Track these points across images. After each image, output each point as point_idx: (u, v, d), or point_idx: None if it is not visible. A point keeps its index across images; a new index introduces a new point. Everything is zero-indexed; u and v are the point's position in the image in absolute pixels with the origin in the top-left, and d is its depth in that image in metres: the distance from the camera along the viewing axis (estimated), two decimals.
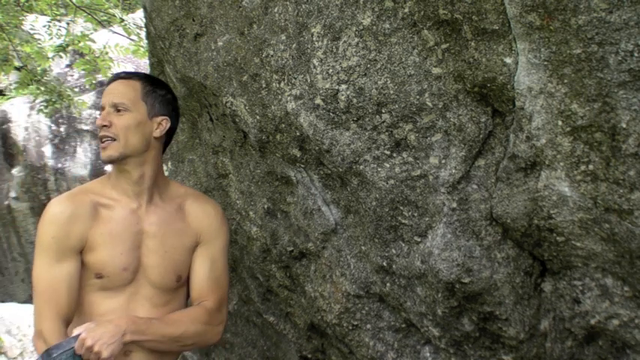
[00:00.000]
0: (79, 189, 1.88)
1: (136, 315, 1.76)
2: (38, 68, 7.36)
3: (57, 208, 1.77)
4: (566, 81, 1.32)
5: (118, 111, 1.80)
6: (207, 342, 1.95)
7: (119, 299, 1.79)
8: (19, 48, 7.35)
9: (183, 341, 1.81)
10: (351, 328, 1.98)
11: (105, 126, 1.78)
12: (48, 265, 1.73)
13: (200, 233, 1.90)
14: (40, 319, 1.72)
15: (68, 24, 7.61)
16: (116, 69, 7.37)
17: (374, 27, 1.60)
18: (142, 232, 1.82)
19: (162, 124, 1.86)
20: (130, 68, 8.39)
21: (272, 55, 1.80)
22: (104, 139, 1.79)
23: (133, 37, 7.34)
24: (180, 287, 1.90)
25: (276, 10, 1.77)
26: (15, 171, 8.71)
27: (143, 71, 1.93)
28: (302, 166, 1.90)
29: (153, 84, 1.90)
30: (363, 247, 1.87)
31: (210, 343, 1.98)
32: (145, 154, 1.82)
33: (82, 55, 7.34)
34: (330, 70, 1.67)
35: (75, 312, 1.78)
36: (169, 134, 1.92)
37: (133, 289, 1.81)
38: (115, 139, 1.78)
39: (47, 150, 8.73)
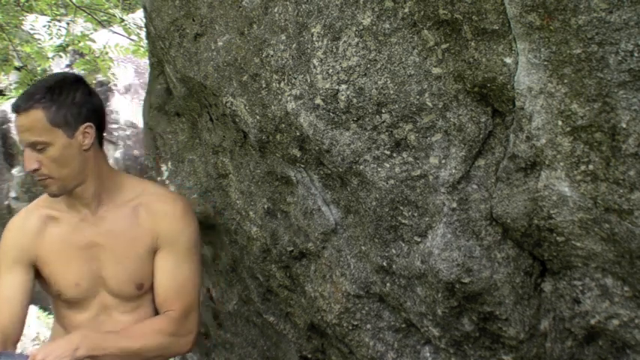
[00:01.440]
0: (36, 201, 1.82)
1: (98, 328, 1.72)
2: (38, 68, 7.36)
3: (11, 222, 1.75)
4: (566, 81, 1.32)
5: (39, 150, 1.66)
6: (175, 353, 1.84)
7: (87, 312, 1.75)
8: (19, 48, 7.35)
9: (145, 354, 1.71)
10: (351, 328, 1.98)
11: (35, 169, 1.67)
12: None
13: (157, 237, 1.77)
14: None
15: (68, 24, 7.61)
16: (116, 69, 7.38)
17: (374, 27, 1.60)
18: (92, 243, 1.75)
19: (87, 131, 1.72)
20: (130, 68, 8.40)
21: (272, 55, 1.80)
22: (39, 179, 1.69)
23: (133, 37, 7.34)
24: (145, 294, 1.82)
25: (276, 10, 1.77)
26: (15, 171, 8.71)
27: (52, 81, 1.74)
28: (302, 166, 1.90)
29: (54, 99, 1.68)
30: (363, 247, 1.87)
31: (180, 354, 1.88)
32: (83, 170, 1.72)
33: (82, 55, 7.34)
34: (330, 70, 1.67)
35: (19, 331, 1.72)
36: (100, 125, 1.78)
37: (98, 300, 1.76)
38: (50, 177, 1.68)
39: None
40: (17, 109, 1.66)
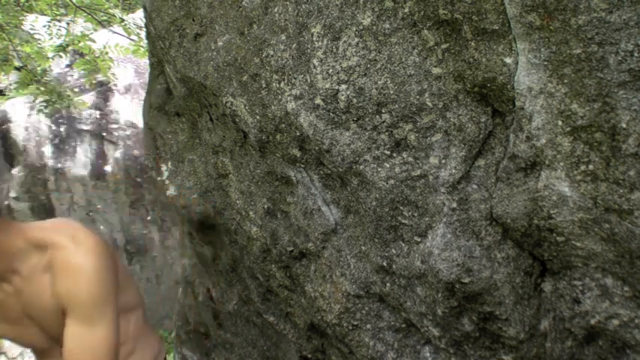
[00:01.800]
0: None
1: None
2: (38, 68, 7.36)
3: None
4: (566, 81, 1.32)
5: None
6: None
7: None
8: (19, 48, 7.35)
9: None
10: (351, 328, 1.98)
11: None
12: None
13: (62, 298, 1.59)
14: None
15: (68, 24, 7.62)
16: (116, 69, 7.38)
17: (374, 27, 1.60)
18: (20, 314, 1.69)
19: None
20: (130, 68, 8.40)
21: (272, 55, 1.80)
22: None
23: (133, 37, 7.35)
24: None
25: (276, 10, 1.77)
26: (15, 171, 8.71)
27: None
28: (302, 166, 1.90)
29: None
30: (363, 247, 1.87)
31: None
32: None
33: (82, 55, 7.35)
34: (330, 70, 1.67)
35: None
36: None
37: (53, 351, 1.77)
38: None
39: (47, 150, 8.73)
40: None
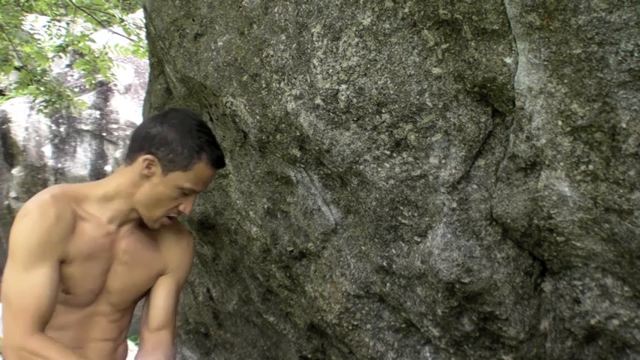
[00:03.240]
0: (61, 192, 1.70)
1: (84, 332, 1.73)
2: (38, 68, 7.36)
3: (42, 210, 1.60)
4: (566, 81, 1.32)
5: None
6: None
7: (77, 315, 1.73)
8: (19, 48, 7.35)
9: None
10: (351, 328, 1.98)
11: None
12: (28, 272, 1.57)
13: (169, 263, 1.83)
14: (21, 332, 1.53)
15: (68, 24, 7.62)
16: (116, 69, 7.38)
17: (374, 27, 1.60)
18: (113, 256, 1.73)
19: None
20: (130, 68, 8.40)
21: (272, 55, 1.80)
22: (174, 216, 1.77)
23: (133, 37, 7.35)
24: (132, 305, 1.86)
25: (276, 10, 1.77)
26: (15, 171, 8.71)
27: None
28: (302, 166, 1.90)
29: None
30: (363, 247, 1.87)
31: None
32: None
33: (81, 55, 7.34)
34: (330, 70, 1.67)
35: None
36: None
37: (93, 307, 1.75)
38: None
39: (47, 150, 8.73)
40: (222, 164, 1.75)
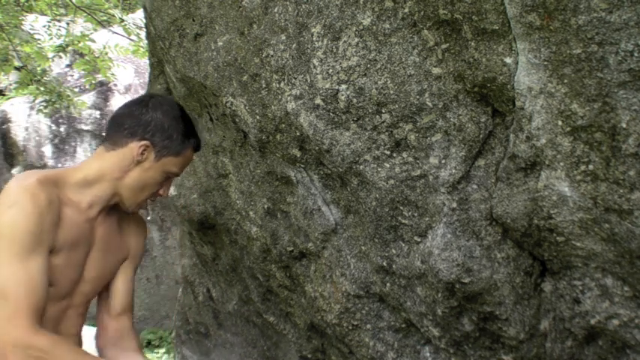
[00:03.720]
0: (44, 176, 1.59)
1: (57, 328, 1.64)
2: (38, 68, 7.36)
3: (32, 197, 1.50)
4: (566, 81, 1.32)
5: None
6: None
7: (54, 309, 1.61)
8: (19, 48, 7.35)
9: None
10: (351, 328, 1.98)
11: None
12: (23, 263, 1.47)
13: (130, 249, 1.83)
14: (24, 329, 1.43)
15: (68, 24, 7.61)
16: (116, 69, 7.37)
17: (374, 27, 1.60)
18: (91, 243, 1.68)
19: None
20: (130, 68, 8.40)
21: (272, 55, 1.80)
22: (155, 200, 1.78)
23: (133, 37, 7.34)
24: (97, 295, 1.82)
25: (276, 10, 1.77)
26: (15, 171, 8.70)
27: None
28: (302, 166, 1.90)
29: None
30: (363, 247, 1.87)
31: None
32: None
33: (81, 55, 7.34)
34: (330, 70, 1.67)
35: None
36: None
37: (69, 300, 1.67)
38: None
39: (47, 150, 8.72)
40: (200, 148, 1.79)
